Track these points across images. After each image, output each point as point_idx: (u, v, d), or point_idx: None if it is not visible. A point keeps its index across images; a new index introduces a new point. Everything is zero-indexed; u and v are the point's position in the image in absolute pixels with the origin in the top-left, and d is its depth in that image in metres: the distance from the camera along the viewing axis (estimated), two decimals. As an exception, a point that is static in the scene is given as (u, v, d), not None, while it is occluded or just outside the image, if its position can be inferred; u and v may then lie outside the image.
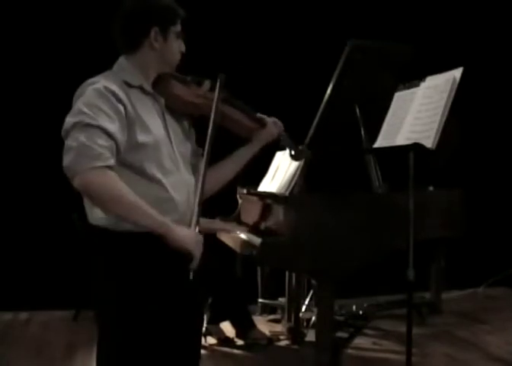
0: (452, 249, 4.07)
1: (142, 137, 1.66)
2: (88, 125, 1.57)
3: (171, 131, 1.78)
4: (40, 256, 4.21)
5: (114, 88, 1.65)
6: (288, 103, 3.99)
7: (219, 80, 1.82)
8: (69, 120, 1.60)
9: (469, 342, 3.59)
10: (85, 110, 1.58)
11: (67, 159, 1.56)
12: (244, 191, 3.34)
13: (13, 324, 4.08)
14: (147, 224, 1.61)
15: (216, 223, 3.24)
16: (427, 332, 3.72)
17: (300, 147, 2.16)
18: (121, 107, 1.63)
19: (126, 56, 1.78)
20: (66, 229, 4.00)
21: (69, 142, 1.57)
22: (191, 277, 1.66)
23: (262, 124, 2.00)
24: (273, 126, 2.02)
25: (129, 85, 1.72)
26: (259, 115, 2.02)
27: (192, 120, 1.94)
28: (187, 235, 1.66)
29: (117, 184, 1.57)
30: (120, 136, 1.61)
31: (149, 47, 1.76)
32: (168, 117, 1.80)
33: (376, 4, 4.61)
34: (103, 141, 1.56)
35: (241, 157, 1.99)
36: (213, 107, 1.79)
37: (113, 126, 1.59)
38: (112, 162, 1.58)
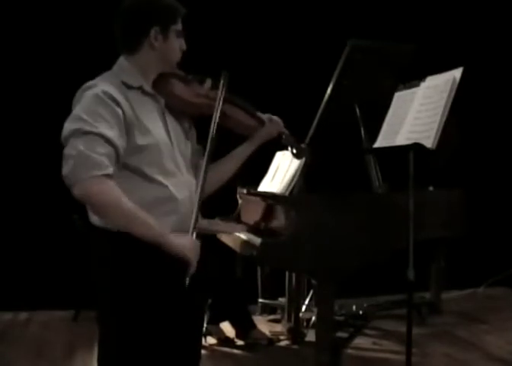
0: (452, 249, 4.07)
1: (141, 140, 1.66)
2: (87, 132, 1.56)
3: (171, 132, 1.78)
4: (40, 256, 4.21)
5: (112, 91, 1.64)
6: (288, 103, 3.99)
7: (222, 77, 1.82)
8: (68, 126, 1.59)
9: (469, 342, 3.59)
10: (84, 116, 1.58)
11: (66, 168, 1.55)
12: (244, 191, 3.34)
13: (13, 324, 4.08)
14: (143, 233, 1.61)
15: (215, 224, 3.23)
16: (427, 332, 3.72)
17: (302, 145, 2.15)
18: (119, 111, 1.63)
19: (125, 56, 1.77)
20: (66, 229, 4.01)
21: (68, 151, 1.56)
22: (187, 282, 1.67)
23: (261, 122, 1.99)
24: (272, 124, 2.01)
25: (129, 87, 1.71)
26: (258, 113, 2.01)
27: (193, 119, 1.93)
28: (184, 244, 1.66)
29: (115, 194, 1.57)
30: (120, 142, 1.61)
31: (149, 47, 1.75)
32: (168, 117, 1.80)
33: (376, 4, 4.61)
34: (102, 149, 1.56)
35: (240, 155, 1.98)
36: (216, 105, 1.78)
37: (112, 133, 1.58)
38: (111, 170, 1.57)
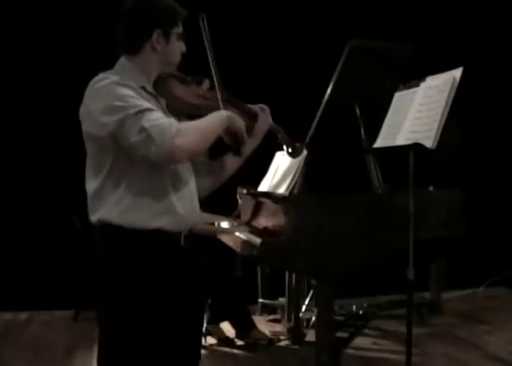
0: (453, 249, 4.07)
1: None
2: (135, 114, 1.57)
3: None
4: (40, 256, 4.21)
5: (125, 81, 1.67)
6: (288, 103, 3.99)
7: (200, 20, 1.85)
8: (110, 120, 1.58)
9: (469, 342, 3.59)
10: (121, 103, 1.58)
11: (153, 148, 1.55)
12: (244, 191, 3.34)
13: (13, 324, 4.08)
14: (219, 130, 1.73)
15: (218, 219, 3.23)
16: (427, 332, 3.72)
17: (297, 144, 2.15)
18: (141, 92, 1.68)
19: (127, 57, 1.78)
20: (66, 229, 4.01)
21: (139, 137, 1.56)
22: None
23: (255, 117, 1.97)
24: (263, 114, 1.98)
25: (131, 87, 1.71)
26: (248, 106, 2.00)
27: (192, 119, 1.93)
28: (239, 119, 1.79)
29: (192, 130, 1.65)
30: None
31: (151, 49, 1.75)
32: (169, 117, 1.81)
33: (376, 4, 4.61)
34: (155, 115, 1.59)
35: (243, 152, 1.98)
36: (220, 105, 1.81)
37: (149, 104, 1.62)
38: (175, 122, 1.61)
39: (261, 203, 3.03)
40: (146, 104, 1.61)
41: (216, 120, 1.73)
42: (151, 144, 1.55)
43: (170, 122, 1.60)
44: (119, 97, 1.59)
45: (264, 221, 2.97)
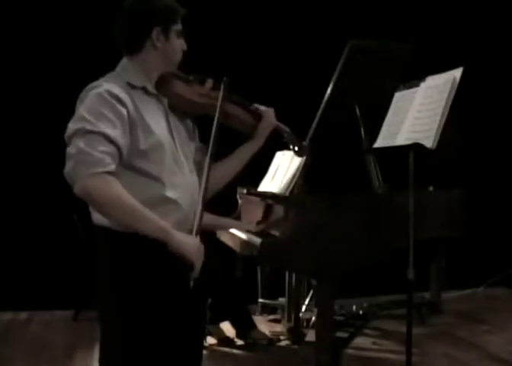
0: (452, 249, 4.07)
1: (145, 141, 1.66)
2: (89, 132, 1.56)
3: (174, 132, 1.78)
4: (41, 256, 4.21)
5: (117, 90, 1.64)
6: (288, 103, 3.98)
7: (223, 85, 1.82)
8: (71, 126, 1.60)
9: (469, 342, 3.59)
10: (87, 116, 1.58)
11: (67, 166, 1.56)
12: (244, 191, 3.34)
13: (13, 324, 4.08)
14: (147, 229, 1.60)
15: (220, 221, 3.22)
16: (427, 332, 3.72)
17: (304, 143, 2.15)
18: (124, 111, 1.63)
19: (128, 57, 1.78)
20: (67, 229, 4.01)
21: (70, 150, 1.57)
22: (191, 285, 1.65)
23: (260, 117, 1.98)
24: (269, 114, 1.98)
25: (133, 87, 1.71)
26: (254, 106, 2.00)
27: (195, 118, 1.93)
28: (188, 243, 1.64)
29: (116, 190, 1.57)
30: (123, 141, 1.61)
31: (151, 47, 1.75)
32: (171, 117, 1.80)
33: (376, 4, 4.61)
34: (103, 147, 1.56)
35: (245, 153, 1.96)
36: (217, 108, 1.79)
37: (114, 132, 1.59)
38: (112, 167, 1.57)
39: (261, 203, 3.02)
40: (106, 129, 1.57)
41: (154, 221, 1.60)
42: (68, 162, 1.56)
43: (104, 161, 1.54)
44: (91, 110, 1.59)
45: (263, 221, 2.96)
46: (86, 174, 1.53)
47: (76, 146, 1.55)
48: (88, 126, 1.56)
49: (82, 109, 1.61)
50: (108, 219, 1.64)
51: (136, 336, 1.68)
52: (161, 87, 1.80)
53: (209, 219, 3.06)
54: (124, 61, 1.78)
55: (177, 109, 1.83)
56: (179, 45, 1.80)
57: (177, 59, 1.83)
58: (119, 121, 1.61)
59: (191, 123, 1.92)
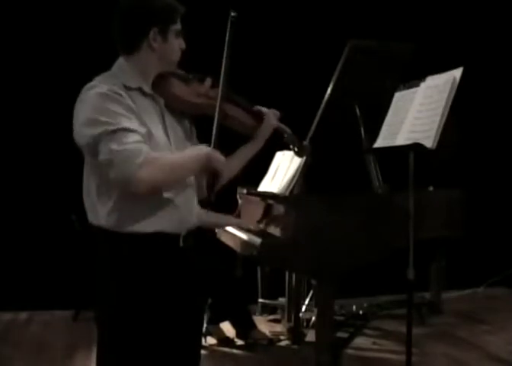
0: (452, 249, 4.07)
1: None
2: (113, 132, 1.56)
3: (170, 131, 1.77)
4: (40, 257, 4.21)
5: (116, 89, 1.64)
6: (288, 103, 3.96)
7: (230, 21, 1.88)
8: (89, 132, 1.58)
9: (469, 342, 3.59)
10: (102, 118, 1.57)
11: (113, 172, 1.56)
12: (244, 191, 3.34)
13: (13, 324, 4.08)
14: (195, 168, 1.71)
15: (223, 218, 3.22)
16: (427, 332, 3.72)
17: (304, 143, 2.14)
18: (131, 104, 1.64)
19: (125, 57, 1.76)
20: (66, 229, 4.01)
21: (105, 156, 1.56)
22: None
23: (261, 118, 1.97)
24: (270, 116, 1.98)
25: (128, 88, 1.71)
26: (256, 107, 2.00)
27: (193, 118, 1.93)
28: (220, 157, 1.72)
29: (161, 164, 1.61)
30: (142, 130, 1.62)
31: (148, 48, 1.73)
32: (167, 118, 1.79)
33: (376, 4, 4.61)
34: (131, 138, 1.56)
35: (246, 154, 1.97)
36: (217, 107, 1.78)
37: (132, 124, 1.60)
38: (147, 150, 1.58)
39: (261, 203, 3.02)
40: (125, 123, 1.58)
41: (193, 157, 1.69)
42: (110, 169, 1.56)
43: (139, 149, 1.56)
44: (103, 111, 1.58)
45: (263, 221, 2.96)
46: (134, 169, 1.54)
47: (109, 150, 1.55)
48: (109, 127, 1.56)
49: (91, 111, 1.59)
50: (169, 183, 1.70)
51: (135, 336, 1.68)
52: (158, 87, 1.78)
53: (210, 216, 3.07)
54: (120, 60, 1.77)
55: (174, 109, 1.82)
56: (177, 45, 1.78)
57: (175, 59, 1.81)
58: (131, 113, 1.62)
59: (189, 123, 1.91)
